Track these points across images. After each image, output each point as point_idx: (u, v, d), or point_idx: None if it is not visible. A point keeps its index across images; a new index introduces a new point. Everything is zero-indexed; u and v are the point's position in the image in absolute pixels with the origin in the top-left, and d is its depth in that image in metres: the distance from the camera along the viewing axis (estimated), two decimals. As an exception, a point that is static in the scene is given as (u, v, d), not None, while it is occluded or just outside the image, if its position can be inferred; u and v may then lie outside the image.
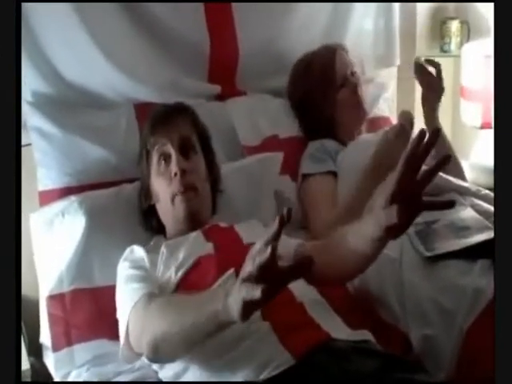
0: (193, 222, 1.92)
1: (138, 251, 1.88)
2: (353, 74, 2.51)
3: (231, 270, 1.68)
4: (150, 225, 2.06)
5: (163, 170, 1.95)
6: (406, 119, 2.29)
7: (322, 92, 2.47)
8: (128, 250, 1.90)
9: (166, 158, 1.95)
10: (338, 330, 1.60)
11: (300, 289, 1.69)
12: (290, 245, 1.78)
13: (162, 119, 2.01)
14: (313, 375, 1.45)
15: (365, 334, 1.63)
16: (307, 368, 1.46)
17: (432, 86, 2.42)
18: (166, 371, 1.66)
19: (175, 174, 1.90)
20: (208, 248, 1.79)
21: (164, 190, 1.94)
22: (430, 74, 2.42)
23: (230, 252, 1.74)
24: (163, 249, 1.84)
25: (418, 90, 3.00)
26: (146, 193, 2.03)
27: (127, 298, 1.73)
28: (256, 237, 1.88)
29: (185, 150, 1.96)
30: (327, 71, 2.47)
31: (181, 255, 1.79)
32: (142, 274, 1.78)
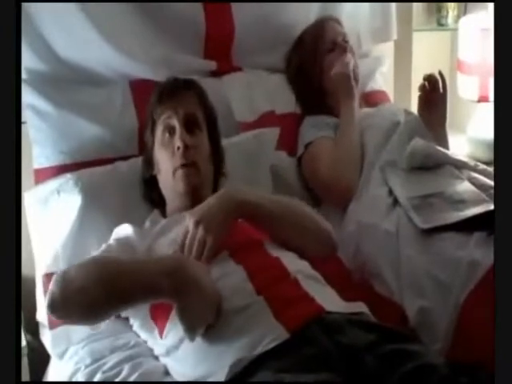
0: (192, 198, 1.92)
1: (124, 229, 1.90)
2: (345, 41, 2.51)
3: (225, 253, 1.71)
4: (150, 196, 2.07)
5: (167, 142, 1.95)
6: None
7: (312, 59, 2.49)
8: (115, 230, 1.93)
9: (170, 130, 1.95)
10: (332, 303, 1.60)
11: (294, 265, 1.70)
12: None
13: (170, 91, 2.01)
14: (307, 349, 1.44)
15: (359, 306, 1.64)
16: (302, 342, 1.46)
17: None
18: (160, 347, 1.66)
19: (178, 148, 1.90)
20: None
21: (166, 162, 1.94)
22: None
23: None
24: (158, 226, 1.85)
25: (415, 63, 3.00)
26: (148, 162, 2.04)
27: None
28: None
29: (189, 126, 1.96)
30: (317, 38, 2.50)
31: (172, 234, 1.80)
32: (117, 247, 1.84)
